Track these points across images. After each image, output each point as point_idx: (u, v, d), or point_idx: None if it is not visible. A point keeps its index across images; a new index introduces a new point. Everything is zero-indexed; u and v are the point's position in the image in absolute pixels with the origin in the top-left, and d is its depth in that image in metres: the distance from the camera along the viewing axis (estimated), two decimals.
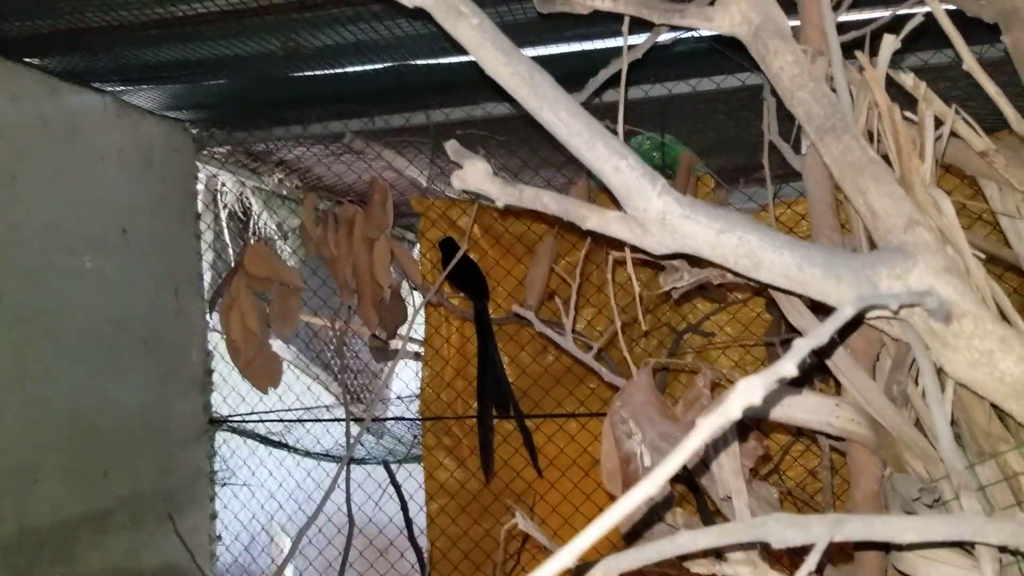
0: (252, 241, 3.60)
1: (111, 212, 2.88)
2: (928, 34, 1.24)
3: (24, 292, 2.49)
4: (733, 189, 3.81)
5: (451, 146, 1.24)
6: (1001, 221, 1.22)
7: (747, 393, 0.59)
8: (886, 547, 1.25)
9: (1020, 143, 1.28)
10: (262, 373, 2.66)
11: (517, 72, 1.01)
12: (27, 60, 2.57)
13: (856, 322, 1.14)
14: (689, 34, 2.36)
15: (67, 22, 2.32)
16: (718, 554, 1.21)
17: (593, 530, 0.51)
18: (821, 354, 1.15)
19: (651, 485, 0.53)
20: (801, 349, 0.67)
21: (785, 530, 0.82)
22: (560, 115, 1.01)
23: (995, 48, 2.40)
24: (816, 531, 0.82)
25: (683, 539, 0.84)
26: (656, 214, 1.00)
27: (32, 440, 2.47)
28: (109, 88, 2.90)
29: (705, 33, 2.54)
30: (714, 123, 3.39)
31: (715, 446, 1.22)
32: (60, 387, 2.60)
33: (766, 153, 1.63)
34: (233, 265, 3.02)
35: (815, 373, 1.63)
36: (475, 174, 1.18)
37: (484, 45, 1.02)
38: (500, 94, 1.14)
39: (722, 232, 0.98)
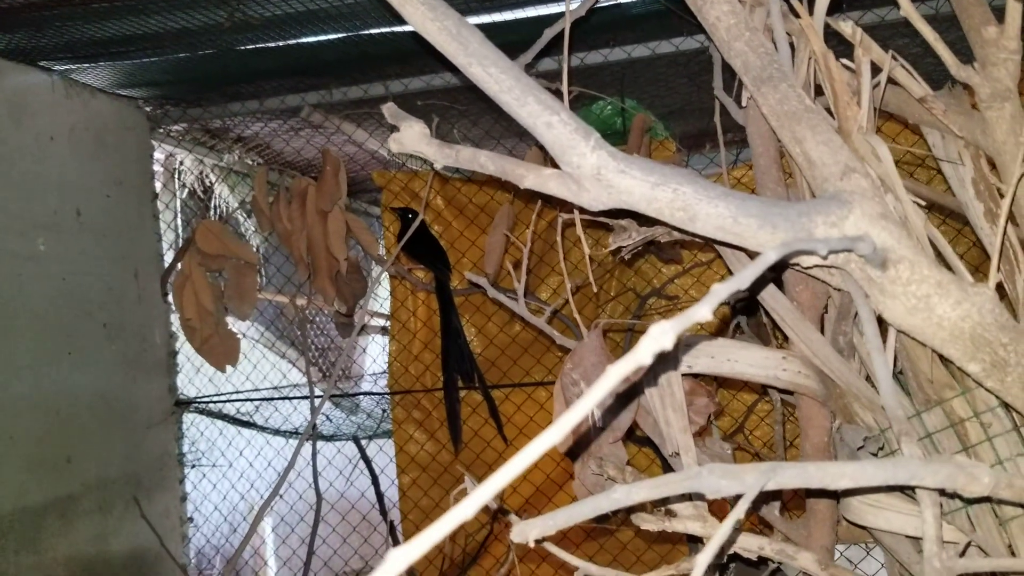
0: (213, 219, 3.54)
1: (64, 194, 2.82)
2: None
3: None
4: (696, 153, 3.81)
5: (388, 108, 1.22)
6: (943, 168, 1.21)
7: (658, 338, 0.58)
8: (836, 499, 1.26)
9: (962, 91, 1.28)
10: (219, 351, 2.63)
11: (444, 27, 0.99)
12: None
13: (783, 266, 1.13)
14: None
15: None
16: (669, 511, 1.21)
17: (497, 479, 0.50)
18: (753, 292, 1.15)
19: (556, 434, 0.52)
20: (719, 293, 0.66)
21: (719, 480, 0.82)
22: (490, 71, 0.99)
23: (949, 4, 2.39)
24: (750, 480, 0.81)
25: (618, 493, 0.83)
26: (590, 169, 0.98)
27: None
28: (57, 66, 2.82)
29: None
30: (675, 88, 3.37)
31: (663, 403, 1.21)
32: (17, 373, 2.55)
33: (717, 111, 1.61)
34: (183, 242, 2.97)
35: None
36: (411, 136, 1.15)
37: (410, 0, 0.99)
38: (441, 61, 1.11)
39: (657, 185, 0.97)
